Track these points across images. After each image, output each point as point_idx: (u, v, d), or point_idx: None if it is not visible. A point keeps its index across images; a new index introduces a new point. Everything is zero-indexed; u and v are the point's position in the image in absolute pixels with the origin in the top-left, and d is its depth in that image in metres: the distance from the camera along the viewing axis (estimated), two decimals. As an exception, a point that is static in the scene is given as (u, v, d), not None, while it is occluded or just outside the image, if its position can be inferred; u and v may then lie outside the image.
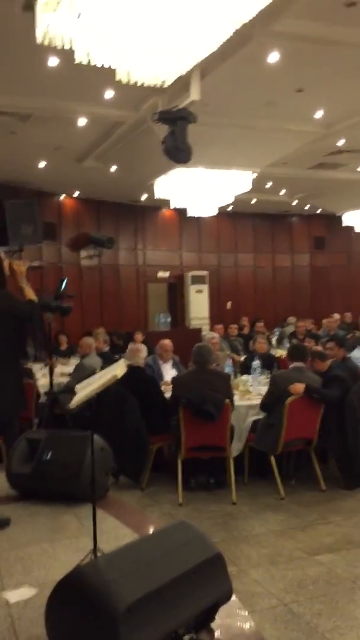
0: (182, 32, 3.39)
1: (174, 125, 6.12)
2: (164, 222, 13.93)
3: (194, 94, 5.88)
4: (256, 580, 3.66)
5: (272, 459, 5.32)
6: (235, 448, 5.53)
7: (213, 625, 2.58)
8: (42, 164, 9.68)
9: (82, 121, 7.61)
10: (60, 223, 12.10)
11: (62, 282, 7.18)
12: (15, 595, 3.00)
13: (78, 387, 3.23)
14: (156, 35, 3.39)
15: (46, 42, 3.66)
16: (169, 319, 12.53)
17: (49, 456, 4.40)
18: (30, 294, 4.03)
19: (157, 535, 2.62)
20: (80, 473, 4.26)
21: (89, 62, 3.67)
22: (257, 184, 9.37)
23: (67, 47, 3.62)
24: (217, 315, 13.66)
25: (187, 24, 3.34)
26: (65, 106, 7.05)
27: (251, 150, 8.19)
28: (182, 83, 5.66)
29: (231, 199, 9.19)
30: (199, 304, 13.63)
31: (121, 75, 3.72)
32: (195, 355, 5.65)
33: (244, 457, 5.69)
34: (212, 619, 2.55)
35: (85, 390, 3.01)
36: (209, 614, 2.51)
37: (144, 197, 12.39)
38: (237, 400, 5.66)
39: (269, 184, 11.24)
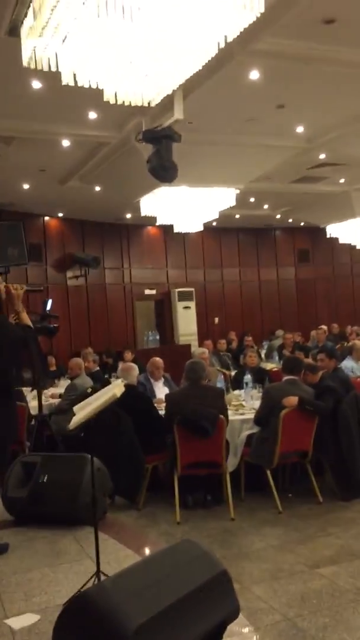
0: (168, 53, 3.44)
1: (159, 144, 6.17)
2: (149, 239, 13.98)
3: (178, 113, 5.94)
4: (259, 597, 3.64)
5: (269, 472, 5.31)
6: (231, 463, 5.51)
7: (221, 643, 2.55)
8: (26, 186, 9.70)
9: (65, 143, 7.65)
10: (45, 244, 12.10)
11: (47, 303, 7.18)
12: (18, 622, 2.95)
13: (76, 408, 3.21)
14: (143, 56, 3.44)
15: (32, 66, 3.69)
16: (157, 337, 12.49)
17: (45, 479, 4.36)
18: (26, 319, 3.94)
19: (162, 555, 2.60)
20: (77, 495, 4.23)
21: (75, 83, 3.70)
22: (241, 199, 9.46)
23: (53, 69, 3.65)
24: (205, 331, 13.70)
25: (172, 44, 3.39)
26: (48, 128, 7.08)
27: (234, 167, 8.28)
28: (165, 102, 5.72)
29: (215, 215, 9.27)
30: (186, 320, 13.65)
31: (108, 96, 3.76)
32: (188, 372, 5.64)
33: (239, 472, 5.67)
34: (221, 637, 2.52)
35: (84, 410, 3.00)
36: (217, 632, 2.49)
37: (128, 215, 12.44)
38: (231, 414, 5.65)
39: (252, 199, 11.34)
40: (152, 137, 6.19)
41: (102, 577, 3.05)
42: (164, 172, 6.24)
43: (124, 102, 3.83)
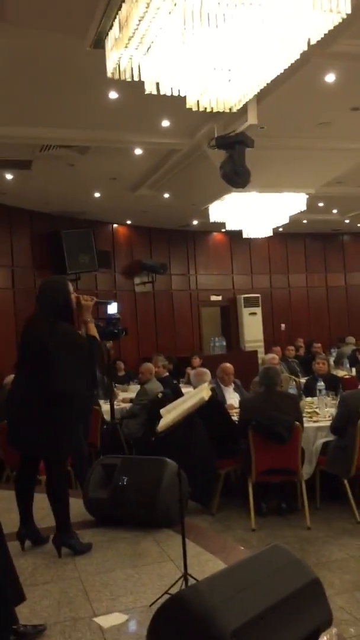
0: (251, 58, 3.45)
1: (232, 150, 6.18)
2: (215, 246, 14.01)
3: (252, 118, 5.94)
4: (342, 607, 3.57)
5: (346, 482, 5.21)
6: (306, 471, 5.44)
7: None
8: (97, 194, 9.92)
9: (137, 151, 7.78)
10: (114, 251, 12.32)
11: (109, 306, 7.24)
12: (107, 621, 3.00)
13: (163, 411, 3.25)
14: (226, 62, 3.46)
15: (116, 76, 3.78)
16: (224, 343, 12.51)
17: (125, 481, 4.42)
18: (93, 330, 4.00)
19: (253, 560, 2.59)
20: (157, 498, 4.26)
21: (157, 92, 3.76)
22: (309, 204, 9.33)
23: (136, 79, 3.72)
24: (271, 338, 13.58)
25: (256, 49, 3.39)
26: (122, 137, 7.23)
27: (306, 171, 8.20)
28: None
29: (285, 220, 9.19)
30: (252, 327, 13.58)
31: (191, 103, 3.80)
32: (262, 378, 5.62)
33: (315, 481, 5.59)
34: (313, 646, 2.48)
35: (172, 414, 3.03)
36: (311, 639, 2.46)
37: (195, 222, 12.51)
38: (305, 422, 5.57)
39: (320, 204, 11.19)
40: (225, 143, 6.21)
41: (189, 580, 3.07)
42: (237, 177, 6.25)
43: (205, 109, 3.86)
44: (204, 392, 2.93)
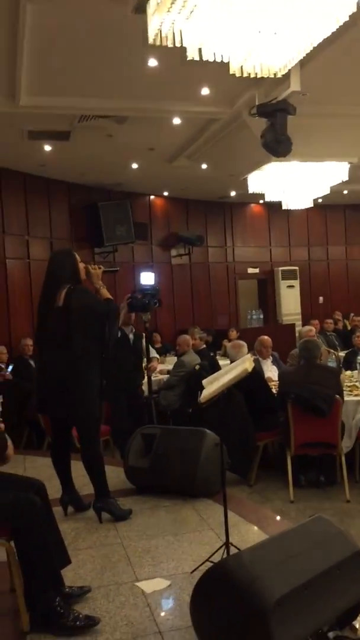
0: (298, 20, 3.33)
1: (273, 118, 6.04)
2: (253, 217, 13.82)
3: (294, 84, 5.77)
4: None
5: (386, 456, 5.17)
6: (345, 445, 5.41)
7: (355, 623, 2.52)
8: (134, 165, 9.85)
9: (176, 120, 7.66)
10: (150, 223, 12.26)
11: (144, 275, 7.13)
12: (150, 586, 3.06)
13: (205, 382, 3.25)
14: (272, 25, 3.35)
15: (157, 42, 3.69)
16: (261, 316, 12.40)
17: (164, 451, 4.46)
18: (106, 293, 4.11)
19: (296, 530, 2.59)
20: (196, 468, 4.30)
21: (200, 58, 3.66)
22: (351, 174, 9.05)
23: (178, 45, 3.63)
24: (309, 311, 13.41)
25: (303, 10, 3.27)
26: (161, 106, 7.11)
27: (349, 140, 7.94)
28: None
29: (326, 191, 8.96)
30: (290, 300, 13.42)
31: (234, 69, 3.70)
32: (302, 351, 5.57)
33: (354, 454, 5.56)
34: (356, 616, 2.49)
35: (214, 385, 3.02)
36: (354, 611, 2.46)
37: (232, 193, 12.34)
38: (345, 396, 5.53)
39: (363, 174, 10.89)
40: (267, 110, 6.06)
41: (231, 549, 3.10)
42: (278, 146, 6.11)
43: (249, 74, 3.75)
44: (247, 363, 2.91)
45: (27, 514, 2.64)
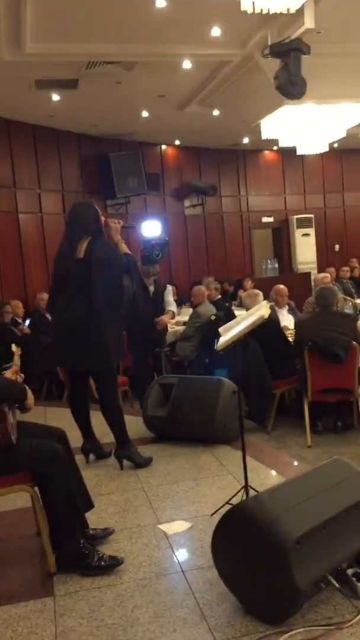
0: None
1: (287, 58, 5.85)
2: (266, 165, 13.54)
3: (308, 21, 5.56)
4: None
5: None
6: (362, 391, 5.42)
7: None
8: (145, 114, 9.64)
9: (186, 64, 7.43)
10: (162, 173, 12.07)
11: (144, 225, 6.92)
12: (171, 528, 3.14)
13: (221, 329, 3.25)
14: None
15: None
16: (276, 265, 12.30)
17: (182, 400, 4.52)
18: (125, 248, 4.09)
19: (314, 472, 2.63)
20: (215, 415, 4.36)
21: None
22: (368, 116, 8.82)
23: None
24: (325, 259, 13.27)
25: None
26: (170, 50, 6.90)
27: (365, 79, 7.69)
28: (292, 13, 5.36)
29: (342, 134, 8.72)
30: (305, 248, 13.26)
31: (245, 5, 3.56)
32: (319, 298, 5.53)
33: (371, 400, 5.58)
34: (374, 554, 2.54)
35: (231, 332, 3.02)
36: (372, 549, 2.51)
37: (245, 140, 12.07)
38: (362, 342, 5.51)
39: (379, 116, 10.56)
40: (280, 50, 5.88)
41: (250, 491, 3.15)
42: (292, 88, 5.94)
43: (261, 10, 3.61)
44: (264, 309, 2.90)
45: (51, 461, 2.70)
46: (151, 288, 6.09)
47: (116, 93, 8.35)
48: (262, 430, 5.57)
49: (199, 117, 9.76)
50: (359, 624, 2.24)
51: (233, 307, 9.21)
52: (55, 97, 8.30)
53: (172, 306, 6.12)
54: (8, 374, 2.86)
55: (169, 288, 6.30)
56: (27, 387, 2.78)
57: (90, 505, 3.09)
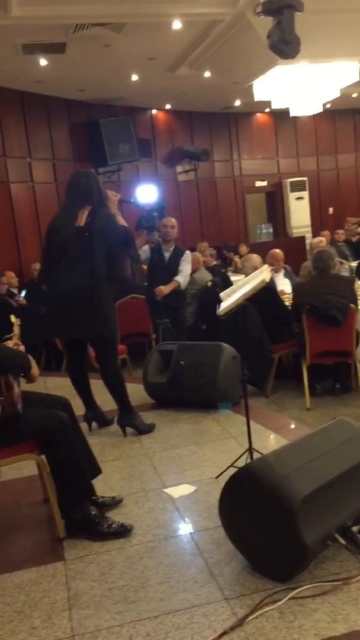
0: None
1: (280, 16, 5.70)
2: (259, 128, 13.37)
3: (302, -24, 5.41)
4: None
5: None
6: (360, 353, 5.46)
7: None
8: (135, 77, 9.44)
9: (176, 25, 7.25)
10: (154, 139, 11.90)
11: (139, 191, 6.58)
12: (177, 492, 3.18)
13: (223, 295, 3.25)
14: None
15: None
16: (270, 229, 12.25)
17: (182, 366, 4.53)
18: (122, 221, 4.06)
19: (319, 433, 2.66)
20: (215, 380, 4.38)
21: None
22: (361, 75, 8.67)
23: None
24: (319, 222, 13.22)
25: None
26: (160, 10, 6.71)
27: (359, 37, 7.52)
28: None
29: (336, 94, 8.58)
30: (299, 212, 13.19)
31: None
32: (315, 261, 5.53)
33: (369, 362, 5.62)
34: (378, 511, 2.59)
35: (233, 297, 3.02)
36: (376, 506, 2.55)
37: (237, 102, 11.88)
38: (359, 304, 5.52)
39: (373, 74, 10.38)
40: (273, 8, 5.71)
41: (254, 454, 3.19)
42: (285, 46, 5.80)
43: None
44: (265, 273, 2.89)
45: (57, 429, 2.71)
46: (167, 254, 5.95)
47: (105, 56, 8.16)
48: (262, 394, 5.62)
49: (190, 79, 9.58)
50: (365, 579, 2.29)
51: (228, 273, 9.18)
52: (43, 61, 8.11)
53: (181, 275, 5.88)
54: (9, 344, 2.86)
55: (186, 255, 6.06)
56: (30, 357, 2.78)
57: (97, 472, 3.12)
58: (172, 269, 5.91)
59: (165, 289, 5.74)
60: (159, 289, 5.74)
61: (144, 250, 5.88)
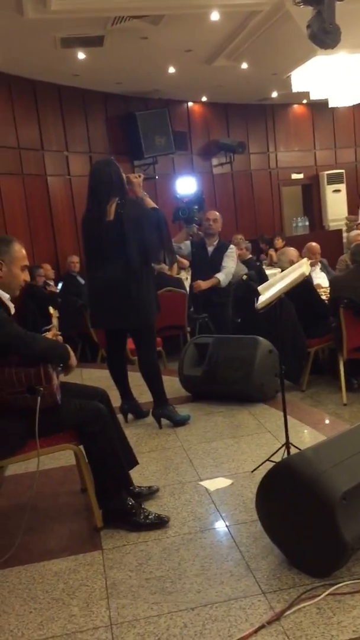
0: None
1: (320, 5, 5.62)
2: (296, 120, 13.20)
3: (343, -36, 5.31)
4: None
5: None
6: None
7: None
8: (171, 70, 9.42)
9: (214, 16, 7.20)
10: (190, 131, 11.86)
11: (181, 182, 6.40)
12: (213, 485, 3.19)
13: (261, 288, 3.23)
14: None
15: None
16: (307, 222, 12.11)
17: (219, 359, 4.52)
18: (151, 202, 4.04)
19: (357, 429, 2.62)
20: (251, 374, 4.36)
21: None
22: None
23: None
24: (357, 215, 12.98)
25: None
26: (198, 1, 6.69)
27: None
28: None
29: (377, 84, 8.43)
30: (336, 205, 13.00)
31: None
32: (354, 255, 5.44)
33: None
34: None
35: (271, 290, 3.00)
36: None
37: (274, 94, 11.75)
38: None
39: None
40: (313, -3, 5.64)
41: (291, 449, 3.17)
42: (326, 36, 5.72)
43: None
44: (305, 267, 2.86)
45: (95, 419, 2.74)
46: (210, 248, 5.82)
47: (142, 49, 8.16)
48: (297, 389, 5.58)
49: (226, 71, 9.52)
50: None
51: (263, 266, 9.12)
52: (81, 55, 8.16)
53: (222, 272, 5.66)
54: (49, 335, 2.89)
55: (230, 251, 5.82)
56: (68, 347, 2.81)
57: (134, 462, 3.15)
58: (215, 264, 5.74)
59: (203, 284, 5.64)
60: (196, 282, 5.69)
61: (186, 245, 5.81)
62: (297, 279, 2.85)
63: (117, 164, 4.07)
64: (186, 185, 5.65)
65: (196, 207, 5.46)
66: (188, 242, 5.82)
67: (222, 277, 5.67)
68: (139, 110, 10.57)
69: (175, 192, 5.64)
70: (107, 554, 2.66)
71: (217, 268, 5.71)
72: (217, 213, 6.03)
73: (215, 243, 5.86)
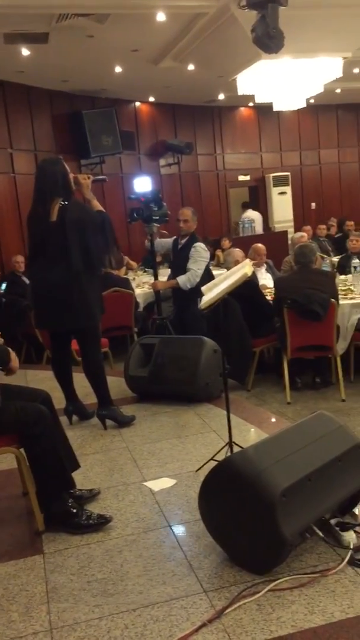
0: None
1: (265, 10, 5.69)
2: (242, 122, 13.34)
3: (286, -29, 5.40)
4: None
5: (381, 356, 5.27)
6: (340, 347, 5.50)
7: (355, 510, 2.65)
8: (118, 69, 9.36)
9: (160, 17, 7.19)
10: (137, 131, 11.82)
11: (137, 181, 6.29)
12: (157, 485, 3.19)
13: (204, 288, 3.24)
14: None
15: None
16: (253, 224, 12.25)
17: (164, 359, 4.53)
18: (98, 205, 4.02)
19: (299, 427, 2.67)
20: (196, 374, 4.38)
21: None
22: (344, 71, 8.67)
23: None
24: (301, 217, 13.26)
25: None
26: (143, 1, 6.67)
27: (343, 32, 7.53)
28: None
29: (320, 89, 8.59)
30: (282, 207, 13.21)
31: None
32: (297, 256, 5.55)
33: (349, 356, 5.67)
34: (356, 504, 2.61)
35: (214, 291, 3.02)
36: (354, 499, 2.58)
37: (221, 96, 11.85)
38: (340, 299, 5.56)
39: (356, 70, 10.42)
40: (257, 1, 5.71)
41: (234, 447, 3.20)
42: (269, 41, 5.80)
43: None
44: (247, 268, 2.89)
45: (36, 422, 2.70)
46: (179, 247, 5.71)
47: (88, 47, 8.08)
48: (242, 388, 5.64)
49: (173, 72, 9.52)
50: (342, 572, 2.31)
51: (210, 267, 9.17)
52: (25, 51, 8.00)
53: (185, 275, 5.41)
54: (-12, 337, 2.83)
55: (193, 250, 5.52)
56: (9, 349, 2.76)
57: (76, 466, 3.11)
58: (182, 262, 5.55)
59: (160, 285, 5.55)
60: (153, 282, 5.59)
61: (161, 244, 5.83)
62: (240, 279, 2.88)
63: (64, 163, 4.00)
64: (142, 185, 5.55)
65: (153, 205, 5.32)
66: (170, 240, 5.82)
67: (182, 279, 5.43)
68: (85, 109, 10.46)
69: (130, 191, 5.55)
70: (49, 557, 2.63)
71: (184, 267, 5.51)
72: (189, 212, 5.79)
73: (183, 241, 5.71)
